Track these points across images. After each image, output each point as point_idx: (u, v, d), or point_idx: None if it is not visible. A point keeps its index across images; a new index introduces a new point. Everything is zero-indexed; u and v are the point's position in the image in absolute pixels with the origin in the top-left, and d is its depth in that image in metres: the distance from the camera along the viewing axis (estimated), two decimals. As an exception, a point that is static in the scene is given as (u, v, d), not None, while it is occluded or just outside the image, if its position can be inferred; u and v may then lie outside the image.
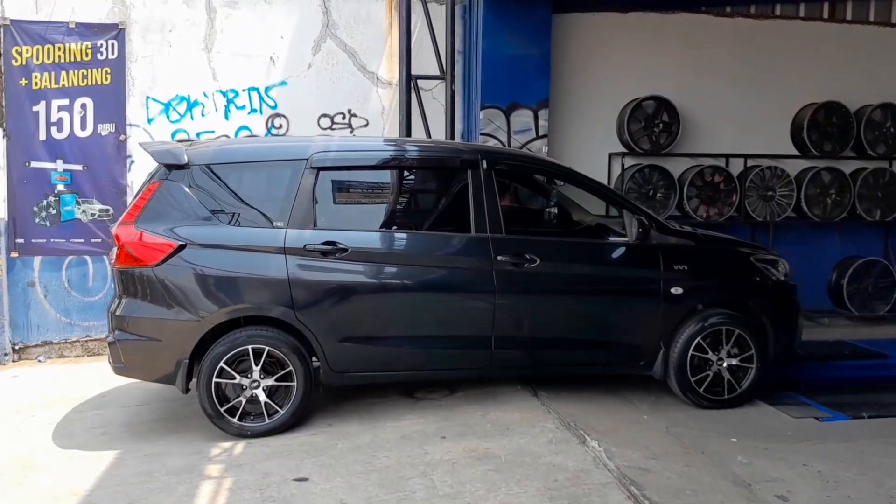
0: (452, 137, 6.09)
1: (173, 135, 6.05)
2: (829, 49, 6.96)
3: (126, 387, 4.81)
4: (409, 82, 5.95)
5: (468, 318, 4.10)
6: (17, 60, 5.80)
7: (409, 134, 5.95)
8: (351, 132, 6.27)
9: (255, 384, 3.85)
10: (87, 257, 6.02)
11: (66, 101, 5.88)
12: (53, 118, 5.87)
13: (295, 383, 3.88)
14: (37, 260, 5.96)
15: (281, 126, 6.22)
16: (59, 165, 5.91)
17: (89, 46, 5.89)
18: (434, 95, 6.31)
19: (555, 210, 4.37)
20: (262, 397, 3.85)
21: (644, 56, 6.66)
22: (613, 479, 3.21)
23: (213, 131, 6.11)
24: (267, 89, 6.19)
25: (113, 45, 5.95)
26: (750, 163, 6.79)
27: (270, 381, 3.87)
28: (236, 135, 6.14)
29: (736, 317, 4.37)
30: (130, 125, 6.01)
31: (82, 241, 5.98)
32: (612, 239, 4.34)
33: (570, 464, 3.38)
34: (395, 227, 4.30)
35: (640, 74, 6.63)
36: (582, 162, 6.32)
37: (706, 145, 6.82)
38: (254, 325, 3.91)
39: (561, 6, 6.26)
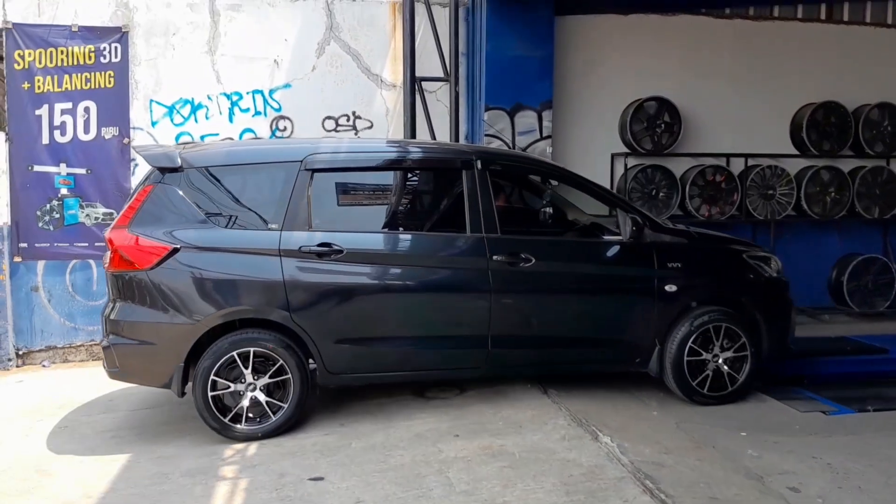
0: (457, 139, 6.11)
1: (177, 138, 6.05)
2: (827, 50, 7.03)
3: (133, 390, 4.75)
4: (413, 84, 5.97)
5: (465, 317, 4.11)
6: (19, 64, 5.78)
7: (413, 135, 5.96)
8: (355, 134, 6.28)
9: (252, 386, 3.84)
10: (91, 261, 5.99)
11: (69, 105, 5.87)
12: (56, 122, 5.85)
13: (290, 376, 3.86)
14: (40, 264, 5.94)
15: (285, 128, 6.22)
16: (63, 169, 5.90)
17: (92, 50, 5.88)
18: (438, 97, 6.33)
19: (550, 210, 4.39)
20: (262, 397, 3.85)
21: (645, 57, 6.71)
22: (628, 474, 3.23)
23: (217, 134, 6.12)
24: (271, 92, 6.19)
25: (116, 48, 5.94)
26: (750, 162, 6.85)
27: (266, 380, 3.84)
28: (240, 137, 6.14)
29: (730, 313, 4.40)
30: (134, 128, 6.00)
31: (86, 244, 5.96)
32: (607, 237, 4.37)
33: (584, 459, 3.40)
34: (390, 228, 4.30)
35: (641, 75, 6.67)
36: (585, 162, 6.38)
37: (707, 145, 6.87)
38: (249, 328, 3.88)
39: (563, 8, 6.30)
